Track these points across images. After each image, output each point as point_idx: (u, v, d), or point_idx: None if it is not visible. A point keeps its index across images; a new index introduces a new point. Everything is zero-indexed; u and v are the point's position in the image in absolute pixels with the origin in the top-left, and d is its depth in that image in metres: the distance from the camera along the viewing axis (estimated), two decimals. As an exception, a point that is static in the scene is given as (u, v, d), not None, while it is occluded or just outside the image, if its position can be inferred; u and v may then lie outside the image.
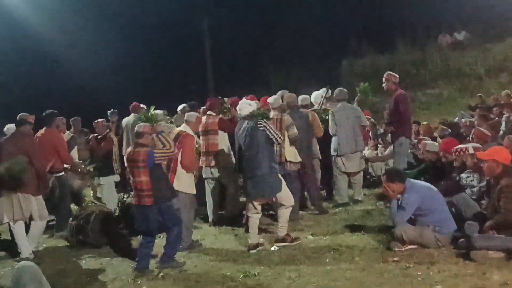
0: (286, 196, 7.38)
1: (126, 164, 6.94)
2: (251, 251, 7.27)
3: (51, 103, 11.06)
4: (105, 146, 10.21)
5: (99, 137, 10.38)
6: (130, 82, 22.44)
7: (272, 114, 8.29)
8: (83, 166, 10.02)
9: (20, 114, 8.39)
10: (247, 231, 7.81)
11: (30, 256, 7.58)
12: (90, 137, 10.69)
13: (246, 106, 7.50)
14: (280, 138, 7.37)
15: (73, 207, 9.95)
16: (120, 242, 8.22)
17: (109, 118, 12.08)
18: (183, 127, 7.85)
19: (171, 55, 23.99)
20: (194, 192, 7.78)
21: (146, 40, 24.01)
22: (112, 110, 12.34)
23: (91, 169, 10.11)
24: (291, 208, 7.54)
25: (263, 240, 7.59)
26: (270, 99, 8.73)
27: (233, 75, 22.77)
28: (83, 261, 7.62)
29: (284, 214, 7.42)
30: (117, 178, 10.48)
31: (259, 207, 7.49)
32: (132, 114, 11.75)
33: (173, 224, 6.81)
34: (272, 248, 7.28)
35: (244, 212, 8.29)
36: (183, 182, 7.49)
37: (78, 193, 10.09)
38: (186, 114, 8.24)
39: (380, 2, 22.28)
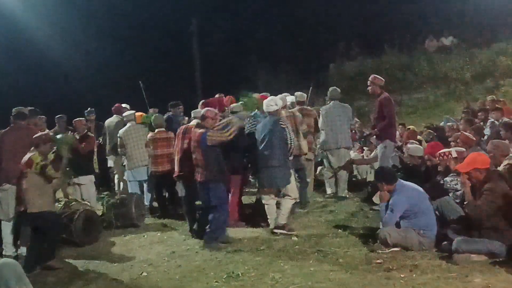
0: (292, 189, 7.99)
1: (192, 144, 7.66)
2: (276, 230, 7.87)
3: (35, 101, 10.98)
4: (87, 146, 10.05)
5: (78, 136, 10.18)
6: (117, 81, 22.36)
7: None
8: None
9: (17, 108, 8.23)
10: None
11: (13, 254, 7.50)
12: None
13: (272, 104, 8.00)
14: (293, 142, 7.89)
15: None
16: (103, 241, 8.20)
17: (86, 117, 12.04)
18: (195, 122, 8.37)
19: (159, 54, 23.98)
20: None
21: (134, 40, 23.99)
22: (89, 109, 12.31)
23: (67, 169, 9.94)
24: (294, 200, 8.12)
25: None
26: (298, 94, 9.44)
27: (221, 75, 22.75)
28: (66, 260, 7.55)
29: (287, 203, 7.97)
30: (93, 178, 10.34)
31: (272, 195, 8.11)
32: (115, 115, 11.66)
33: (218, 203, 7.51)
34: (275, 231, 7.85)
35: None
36: None
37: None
38: (193, 112, 9.11)
39: (369, 6, 22.39)
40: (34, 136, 7.32)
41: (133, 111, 10.79)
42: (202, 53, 25.59)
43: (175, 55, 24.28)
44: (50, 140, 7.31)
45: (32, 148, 7.20)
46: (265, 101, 8.16)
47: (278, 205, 8.22)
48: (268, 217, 8.16)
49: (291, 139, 7.83)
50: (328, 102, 10.54)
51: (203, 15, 24.74)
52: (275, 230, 7.85)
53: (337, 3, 23.56)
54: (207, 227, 7.54)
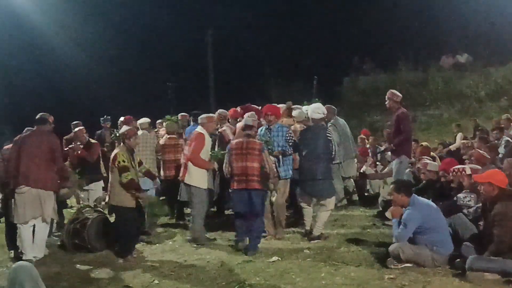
0: (331, 201, 8.30)
1: (233, 152, 7.77)
2: (312, 242, 8.09)
3: (52, 106, 11.07)
4: (93, 153, 10.10)
5: (81, 145, 10.18)
6: (131, 90, 22.52)
7: (298, 126, 9.22)
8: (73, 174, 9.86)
9: (40, 114, 8.30)
10: None
11: (34, 259, 7.43)
12: (74, 146, 10.35)
13: (319, 112, 8.29)
14: (336, 152, 8.35)
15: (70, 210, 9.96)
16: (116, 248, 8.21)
17: (102, 124, 12.18)
18: (199, 128, 8.47)
19: (174, 64, 24.10)
20: (206, 187, 8.36)
21: (150, 50, 24.16)
22: (105, 116, 12.41)
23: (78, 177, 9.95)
24: (330, 212, 8.40)
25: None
26: (295, 113, 9.52)
27: (235, 86, 22.82)
28: (78, 265, 7.57)
29: (323, 216, 8.27)
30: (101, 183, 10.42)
31: (311, 201, 8.39)
32: (124, 126, 11.71)
33: (261, 213, 7.85)
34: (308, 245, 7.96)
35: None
36: (194, 176, 8.23)
37: (63, 201, 9.98)
38: (199, 118, 8.75)
39: (384, 21, 22.41)
40: (128, 129, 8.00)
41: (147, 120, 10.81)
42: (217, 63, 25.70)
43: (190, 65, 24.41)
44: (135, 134, 7.93)
45: (121, 143, 7.86)
46: (311, 108, 8.44)
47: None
48: (304, 219, 8.47)
49: (335, 150, 8.16)
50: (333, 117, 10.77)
51: (218, 26, 24.86)
52: (312, 242, 8.07)
53: (353, 18, 23.63)
54: (251, 236, 7.85)
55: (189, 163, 8.24)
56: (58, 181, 7.92)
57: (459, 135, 13.54)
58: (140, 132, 10.25)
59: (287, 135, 8.31)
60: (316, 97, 11.43)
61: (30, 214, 7.55)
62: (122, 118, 11.73)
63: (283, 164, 8.30)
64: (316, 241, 8.07)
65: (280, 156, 8.28)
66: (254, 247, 7.70)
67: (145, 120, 10.74)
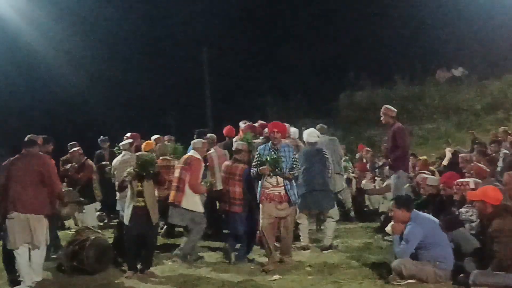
0: (335, 212, 8.86)
1: (223, 175, 8.35)
2: (324, 251, 8.54)
3: (48, 127, 11.05)
4: (86, 174, 10.06)
5: (76, 165, 10.17)
6: (127, 110, 22.51)
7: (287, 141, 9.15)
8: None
9: (29, 136, 8.19)
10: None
11: (33, 284, 7.33)
12: (69, 166, 10.35)
13: (314, 135, 8.82)
14: (332, 169, 8.97)
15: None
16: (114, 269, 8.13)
17: (100, 145, 12.14)
18: (192, 153, 8.56)
19: (170, 84, 24.15)
20: (202, 210, 8.47)
21: (146, 68, 24.18)
22: (102, 137, 12.37)
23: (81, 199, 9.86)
24: (335, 223, 8.90)
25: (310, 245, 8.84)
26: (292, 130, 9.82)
27: (231, 104, 22.85)
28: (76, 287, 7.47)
29: (330, 226, 8.79)
30: (98, 205, 10.38)
31: (308, 216, 8.93)
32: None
33: (250, 230, 8.25)
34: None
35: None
36: (191, 201, 8.30)
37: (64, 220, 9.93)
38: (192, 142, 8.82)
39: (379, 36, 22.54)
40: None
41: (129, 140, 10.73)
42: (213, 81, 25.75)
43: (186, 83, 24.45)
44: None
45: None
46: (307, 133, 8.86)
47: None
48: (301, 235, 8.86)
49: (331, 167, 8.85)
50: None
51: (214, 44, 24.96)
52: (324, 252, 8.48)
53: (348, 33, 23.76)
54: (240, 246, 8.31)
55: (187, 188, 8.25)
56: (50, 204, 7.74)
57: (447, 150, 13.39)
58: (123, 153, 10.15)
59: (293, 156, 7.88)
60: None
61: (20, 240, 7.31)
62: (128, 134, 11.69)
63: (291, 188, 7.80)
64: (328, 250, 8.50)
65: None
66: (239, 257, 8.18)
67: (126, 141, 10.64)
